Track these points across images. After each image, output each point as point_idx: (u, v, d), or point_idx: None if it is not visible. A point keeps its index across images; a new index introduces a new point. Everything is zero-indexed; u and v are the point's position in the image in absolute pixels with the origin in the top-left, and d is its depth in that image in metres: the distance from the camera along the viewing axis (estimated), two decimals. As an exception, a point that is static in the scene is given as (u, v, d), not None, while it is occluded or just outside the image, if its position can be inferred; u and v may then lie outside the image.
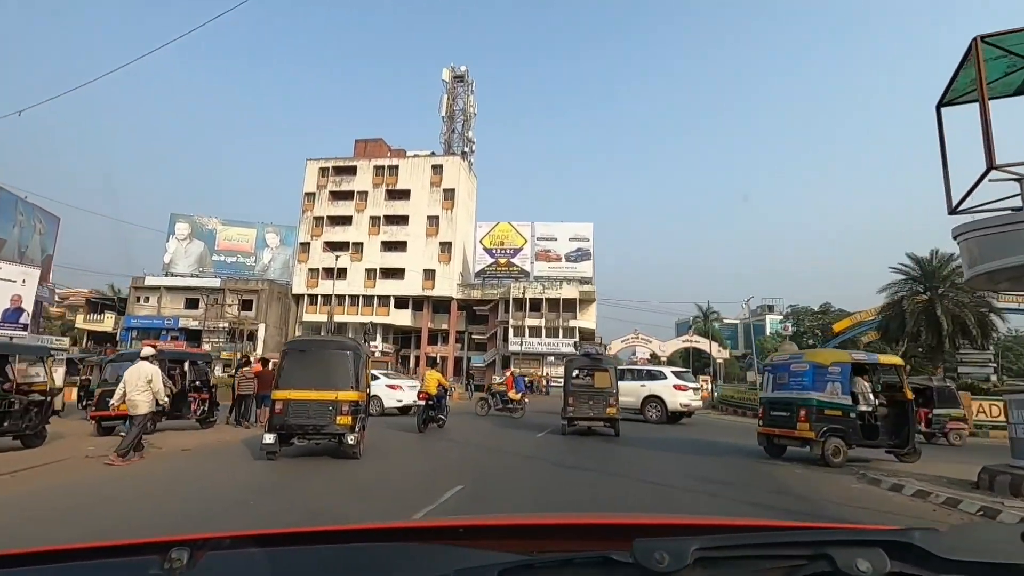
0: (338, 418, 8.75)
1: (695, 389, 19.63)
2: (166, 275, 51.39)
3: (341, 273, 52.57)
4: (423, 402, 13.20)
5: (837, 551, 0.71)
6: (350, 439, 8.77)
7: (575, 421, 13.41)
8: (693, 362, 71.49)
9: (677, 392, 18.37)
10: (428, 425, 13.18)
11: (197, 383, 13.34)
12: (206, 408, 13.06)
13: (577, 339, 47.78)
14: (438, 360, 51.87)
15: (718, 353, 63.91)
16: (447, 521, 0.90)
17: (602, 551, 0.71)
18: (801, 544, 0.76)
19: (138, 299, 50.82)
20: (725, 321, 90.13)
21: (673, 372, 19.78)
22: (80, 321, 50.42)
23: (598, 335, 53.15)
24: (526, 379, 43.01)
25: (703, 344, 63.21)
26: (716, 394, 33.15)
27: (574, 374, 14.06)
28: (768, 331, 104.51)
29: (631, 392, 18.15)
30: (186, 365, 13.45)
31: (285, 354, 9.71)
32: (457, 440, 12.30)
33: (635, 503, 6.57)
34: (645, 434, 14.41)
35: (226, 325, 47.81)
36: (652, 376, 19.45)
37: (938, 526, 0.83)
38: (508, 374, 20.76)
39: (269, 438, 8.58)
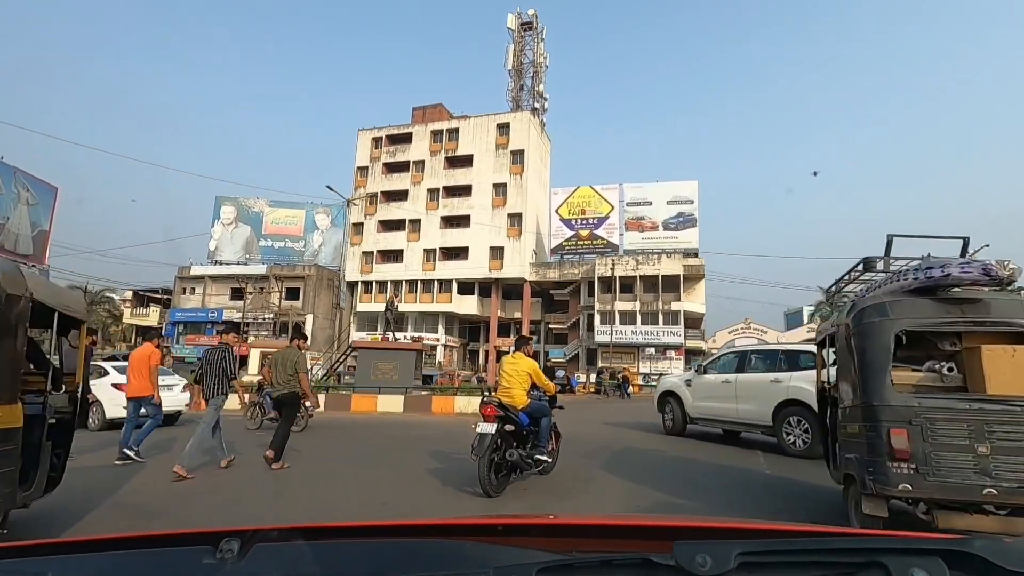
0: None
1: None
2: (212, 263, 46.89)
3: (397, 255, 45.75)
4: (489, 425, 5.47)
5: (891, 559, 0.68)
6: None
7: None
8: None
9: None
10: (511, 477, 5.76)
11: None
12: None
13: (682, 326, 37.82)
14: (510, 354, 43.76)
15: (853, 344, 51.08)
16: (486, 519, 0.91)
17: (642, 552, 0.70)
18: (852, 551, 0.73)
19: (184, 290, 46.66)
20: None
21: None
22: (127, 316, 46.91)
23: (704, 323, 42.75)
24: (600, 376, 33.72)
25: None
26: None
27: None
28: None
29: (754, 391, 8.81)
30: None
31: None
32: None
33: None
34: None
35: (271, 316, 42.31)
36: (794, 362, 8.66)
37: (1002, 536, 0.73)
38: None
39: None
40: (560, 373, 32.86)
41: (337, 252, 47.96)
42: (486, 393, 9.73)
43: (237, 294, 45.15)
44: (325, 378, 17.77)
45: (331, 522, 0.86)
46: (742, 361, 9.29)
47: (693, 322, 40.06)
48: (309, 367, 8.15)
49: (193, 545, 0.78)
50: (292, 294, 44.31)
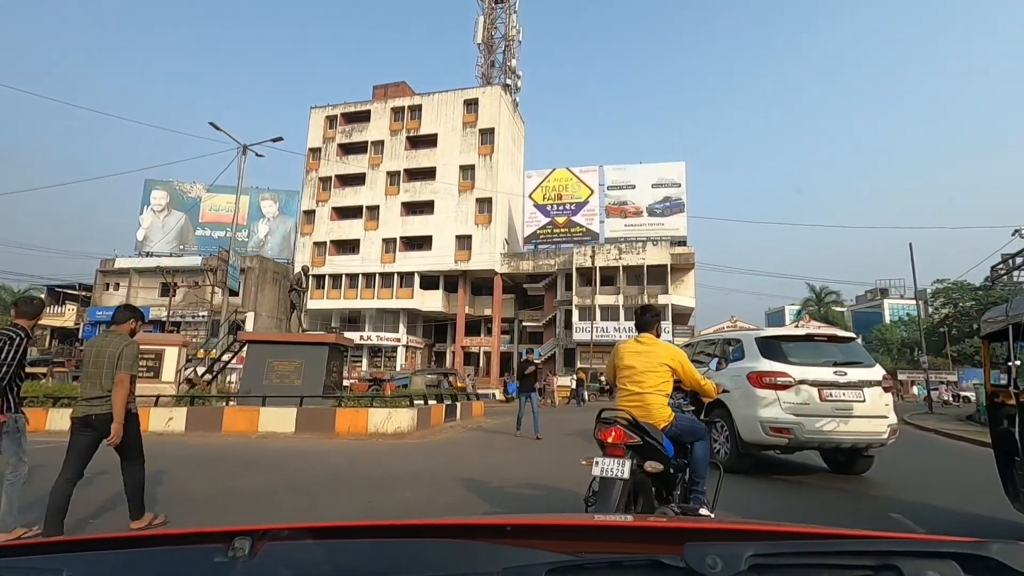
0: None
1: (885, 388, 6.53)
2: (140, 255, 41.29)
3: (353, 246, 40.88)
4: (618, 463, 2.89)
5: (905, 562, 0.68)
6: None
7: None
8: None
9: (879, 394, 6.24)
10: None
11: None
12: None
13: (670, 321, 33.80)
14: (480, 355, 39.24)
15: (845, 342, 47.94)
16: (495, 519, 0.91)
17: (651, 554, 0.70)
18: (865, 554, 0.72)
19: (107, 286, 40.93)
20: (834, 308, 72.80)
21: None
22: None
23: (693, 319, 38.90)
24: (578, 380, 27.79)
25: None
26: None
27: None
28: (888, 318, 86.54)
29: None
30: None
31: None
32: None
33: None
34: None
35: (206, 315, 36.95)
36: (731, 353, 7.15)
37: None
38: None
39: None
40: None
41: (285, 243, 42.86)
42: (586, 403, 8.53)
43: (169, 291, 39.68)
44: (190, 386, 12.73)
45: (341, 522, 0.86)
46: (690, 354, 7.36)
47: (682, 317, 36.15)
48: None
49: (205, 544, 0.79)
50: (232, 289, 38.97)
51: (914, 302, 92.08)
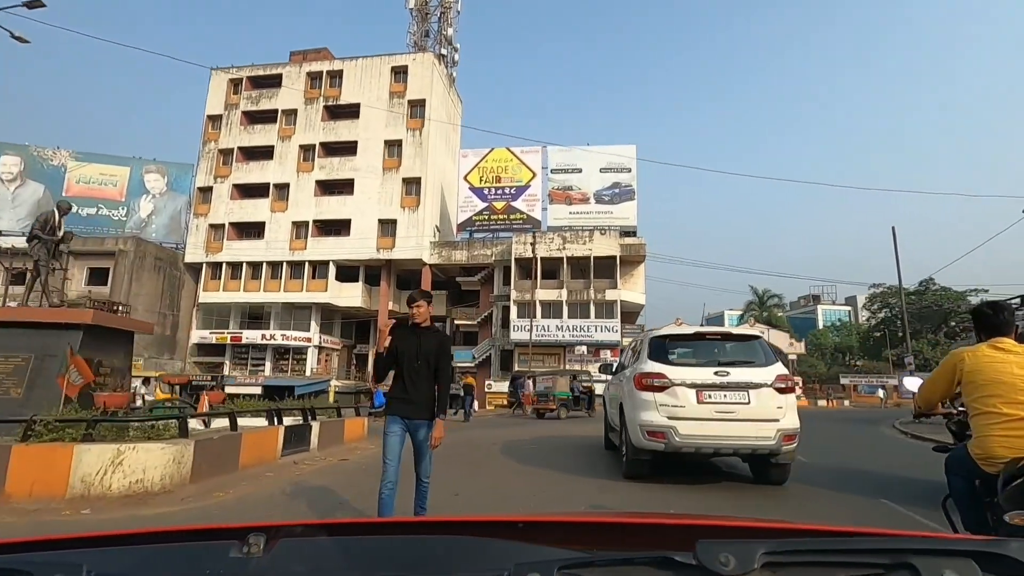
0: None
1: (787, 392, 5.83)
2: (-18, 234, 33.48)
3: (257, 229, 34.97)
4: None
5: (922, 561, 0.67)
6: None
7: None
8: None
9: (770, 396, 5.65)
10: None
11: None
12: None
13: (619, 319, 30.26)
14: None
15: (790, 348, 46.74)
16: (506, 516, 0.91)
17: (663, 551, 0.70)
18: (880, 552, 0.71)
19: (-65, 270, 32.90)
20: (776, 311, 72.53)
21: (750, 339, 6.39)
22: None
23: (642, 317, 35.62)
24: (517, 386, 23.12)
25: (766, 335, 45.57)
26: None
27: None
28: (822, 323, 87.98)
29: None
30: None
31: None
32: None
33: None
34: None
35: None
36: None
37: None
38: None
39: None
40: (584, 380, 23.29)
41: (174, 224, 36.18)
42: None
43: (22, 278, 32.21)
44: None
45: (355, 518, 0.88)
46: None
47: (631, 315, 32.68)
48: None
49: (219, 539, 0.80)
50: (99, 276, 32.17)
51: (847, 308, 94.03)
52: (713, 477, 6.60)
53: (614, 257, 31.26)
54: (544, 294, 31.35)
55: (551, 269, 31.96)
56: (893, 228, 22.06)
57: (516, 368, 30.02)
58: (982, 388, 2.54)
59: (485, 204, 34.33)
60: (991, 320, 2.72)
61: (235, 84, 37.72)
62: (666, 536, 0.89)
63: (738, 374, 5.65)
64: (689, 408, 5.56)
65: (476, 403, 21.79)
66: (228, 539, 0.77)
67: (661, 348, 6.07)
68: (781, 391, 5.65)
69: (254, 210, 35.37)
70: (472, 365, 33.76)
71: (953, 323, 48.17)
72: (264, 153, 36.24)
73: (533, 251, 30.97)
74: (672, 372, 5.72)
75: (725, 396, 5.58)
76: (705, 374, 5.68)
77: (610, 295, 30.90)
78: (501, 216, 34.17)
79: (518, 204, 33.99)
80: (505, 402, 27.18)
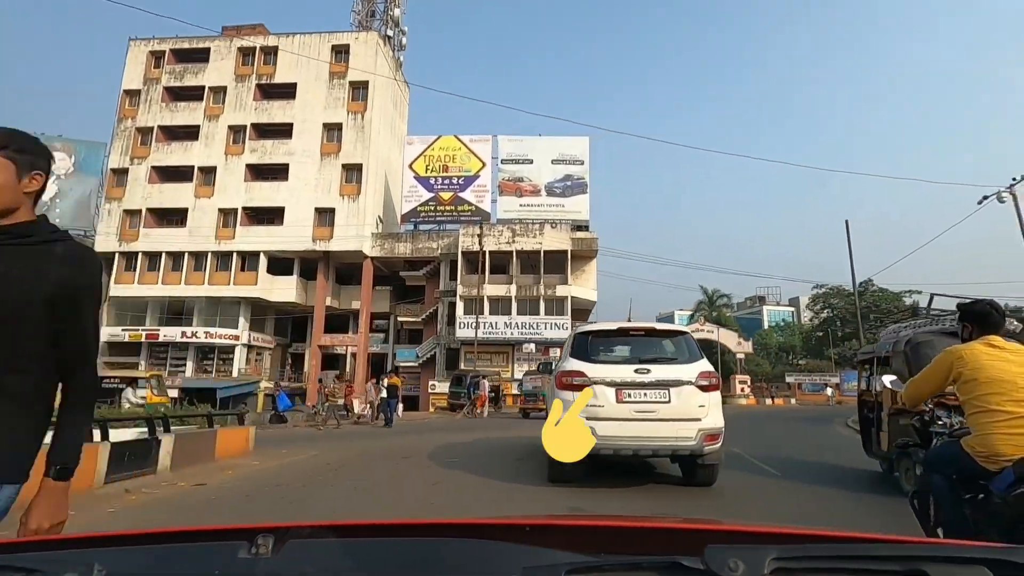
0: None
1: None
2: None
3: (179, 216, 31.93)
4: None
5: (934, 568, 0.67)
6: None
7: None
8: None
9: (691, 394, 5.46)
10: None
11: None
12: None
13: (570, 316, 29.12)
14: (350, 358, 31.96)
15: (738, 347, 47.24)
16: (514, 519, 0.91)
17: (672, 556, 0.70)
18: (891, 558, 0.71)
19: None
20: (724, 311, 73.71)
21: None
22: None
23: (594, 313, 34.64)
24: (469, 386, 21.41)
25: (715, 334, 46.38)
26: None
27: None
28: (767, 323, 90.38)
29: None
30: None
31: None
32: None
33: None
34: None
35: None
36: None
37: None
38: None
39: None
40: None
41: (82, 209, 32.51)
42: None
43: None
44: None
45: (363, 520, 0.87)
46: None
47: (583, 313, 31.60)
48: None
49: (228, 540, 0.80)
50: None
51: (790, 308, 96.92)
52: (640, 479, 6.27)
53: (565, 252, 30.08)
54: (492, 289, 29.82)
55: (500, 264, 30.48)
56: (847, 221, 21.82)
57: (462, 367, 28.39)
58: (985, 386, 2.56)
59: (431, 194, 32.47)
60: (992, 319, 2.74)
61: (157, 57, 34.37)
62: (675, 540, 0.86)
63: (659, 371, 5.42)
64: (608, 408, 5.33)
65: (401, 406, 19.91)
66: (237, 540, 0.77)
67: (583, 345, 5.78)
68: (704, 389, 5.41)
69: (176, 195, 32.21)
70: (416, 365, 31.90)
71: (891, 323, 49.94)
72: (189, 133, 33.10)
73: (480, 244, 29.38)
74: (592, 370, 5.47)
75: (645, 395, 5.36)
76: (625, 372, 5.44)
77: (560, 291, 29.69)
78: (448, 207, 32.41)
79: (466, 195, 32.32)
80: (446, 404, 25.46)
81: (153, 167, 32.65)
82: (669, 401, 5.31)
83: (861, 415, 7.43)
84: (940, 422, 3.34)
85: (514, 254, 30.18)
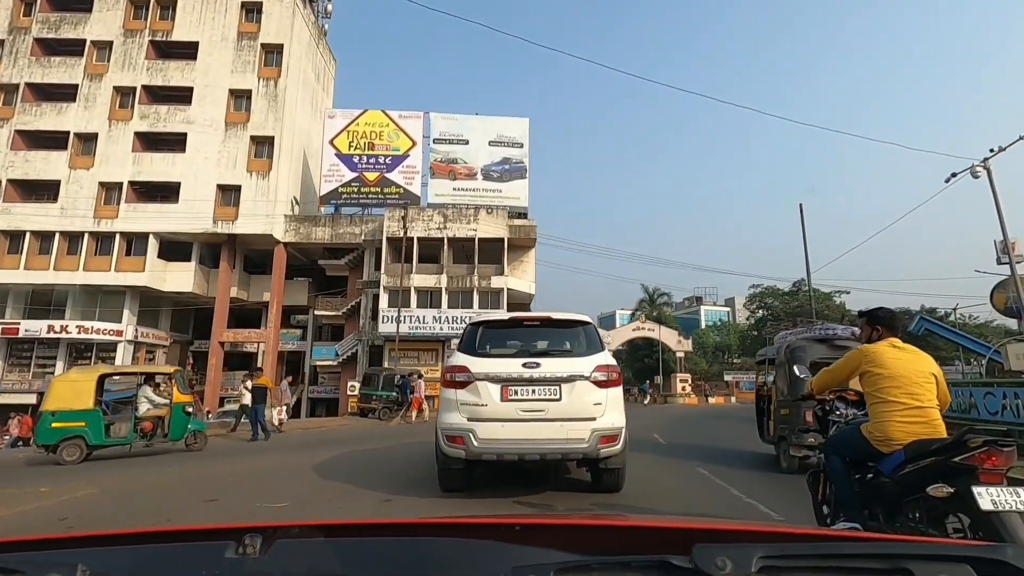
0: None
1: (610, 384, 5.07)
2: None
3: (50, 190, 27.17)
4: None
5: (919, 566, 0.68)
6: None
7: None
8: (643, 358, 54.68)
9: (585, 391, 4.88)
10: None
11: None
12: None
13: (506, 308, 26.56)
14: (261, 356, 28.15)
15: (678, 345, 46.65)
16: (504, 519, 0.90)
17: (660, 555, 0.71)
18: (878, 556, 0.73)
19: None
20: (665, 310, 73.88)
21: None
22: None
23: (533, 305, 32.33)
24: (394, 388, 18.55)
25: (656, 333, 45.69)
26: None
27: None
28: (704, 323, 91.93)
29: None
30: None
31: None
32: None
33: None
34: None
35: None
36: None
37: None
38: None
39: None
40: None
41: (-77, 177, 26.99)
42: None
43: None
44: None
45: (351, 519, 0.86)
46: None
47: (520, 307, 29.28)
48: None
49: (216, 539, 0.79)
50: None
51: (726, 309, 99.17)
52: (540, 487, 5.66)
53: (502, 240, 27.67)
54: (421, 280, 27.00)
55: (430, 252, 27.70)
56: (800, 205, 20.72)
57: (386, 365, 25.40)
58: (886, 380, 2.99)
59: (355, 174, 29.21)
60: (891, 323, 3.27)
61: (27, 4, 29.22)
62: (663, 539, 0.87)
63: (550, 366, 4.87)
64: (491, 407, 4.75)
65: (284, 413, 16.95)
66: (224, 539, 0.76)
67: (472, 338, 5.25)
68: (601, 384, 4.84)
69: (45, 165, 27.31)
70: (336, 364, 28.59)
71: (821, 322, 50.85)
72: (64, 94, 28.21)
73: (404, 228, 26.47)
74: (476, 365, 4.88)
75: (533, 392, 4.81)
76: (512, 366, 4.86)
77: (496, 282, 27.26)
78: (374, 189, 29.25)
79: (394, 176, 29.27)
80: (356, 407, 22.50)
81: (18, 131, 27.56)
82: (560, 399, 4.79)
83: (757, 407, 8.45)
84: (838, 412, 3.59)
85: (446, 241, 27.48)
